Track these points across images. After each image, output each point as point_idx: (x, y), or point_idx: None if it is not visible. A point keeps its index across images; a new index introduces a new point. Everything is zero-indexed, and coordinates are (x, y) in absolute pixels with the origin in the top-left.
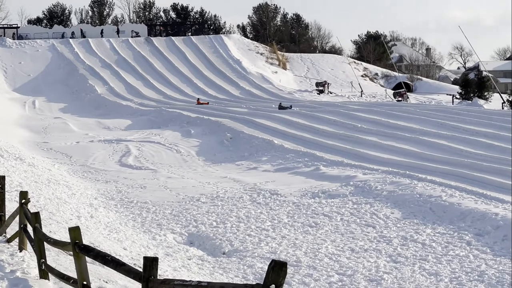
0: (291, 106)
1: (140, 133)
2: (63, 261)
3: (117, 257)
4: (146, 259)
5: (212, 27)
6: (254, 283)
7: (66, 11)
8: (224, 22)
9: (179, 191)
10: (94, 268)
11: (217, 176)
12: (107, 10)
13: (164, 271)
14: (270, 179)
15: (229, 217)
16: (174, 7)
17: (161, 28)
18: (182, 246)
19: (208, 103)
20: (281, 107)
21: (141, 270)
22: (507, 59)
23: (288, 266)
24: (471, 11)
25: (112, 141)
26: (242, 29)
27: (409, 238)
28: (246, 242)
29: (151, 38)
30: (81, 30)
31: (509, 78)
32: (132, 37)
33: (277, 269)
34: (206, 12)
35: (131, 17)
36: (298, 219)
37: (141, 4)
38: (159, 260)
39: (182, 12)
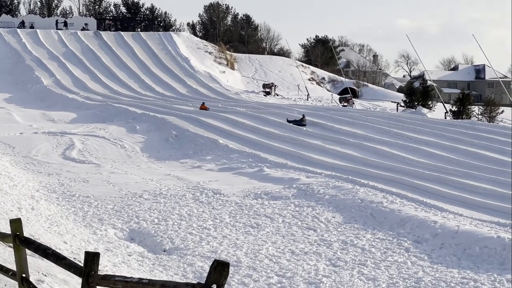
0: (303, 119)
1: (85, 127)
2: (1, 253)
3: (57, 250)
4: (87, 254)
5: (162, 24)
6: (194, 281)
7: (15, 1)
8: (175, 20)
9: (122, 187)
10: (34, 261)
11: (161, 173)
12: (56, 2)
13: (104, 266)
14: (213, 178)
15: (171, 215)
16: (125, 2)
17: (111, 22)
18: (122, 242)
19: (208, 108)
20: (291, 122)
21: (81, 264)
22: (451, 69)
23: None
24: (417, 20)
25: (56, 133)
26: (192, 28)
27: (349, 243)
28: (187, 241)
29: (100, 32)
30: (23, 21)
31: (452, 88)
32: (81, 30)
33: (220, 269)
34: (156, 8)
35: (80, 10)
36: (240, 220)
37: None
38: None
39: (132, 7)
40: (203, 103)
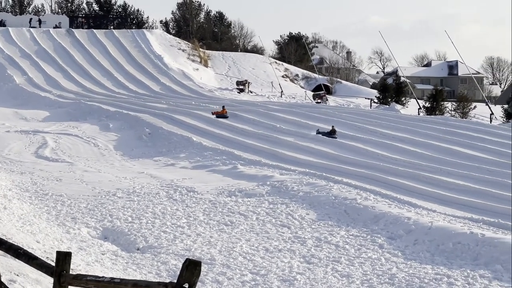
0: (333, 130)
1: (58, 125)
2: None
3: (29, 250)
4: (59, 253)
5: (135, 21)
6: (167, 280)
7: None
8: (147, 17)
9: (95, 185)
10: (6, 261)
11: (134, 171)
12: (28, 0)
13: (77, 265)
14: (187, 176)
15: (144, 213)
16: None
17: (83, 20)
18: (96, 240)
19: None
20: (320, 133)
21: (53, 264)
22: (425, 65)
23: (202, 264)
24: (390, 16)
25: (29, 132)
26: (165, 25)
27: (323, 240)
28: (161, 239)
29: (73, 30)
30: None
31: (426, 84)
32: (53, 28)
33: (191, 268)
34: (129, 6)
35: (53, 8)
36: (214, 217)
37: None
38: (72, 254)
39: (105, 5)
40: (223, 106)
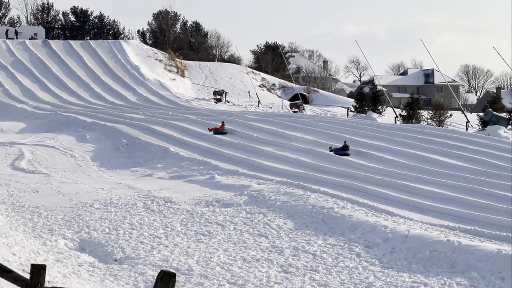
0: (345, 146)
1: (34, 137)
2: None
3: (5, 262)
4: (33, 266)
5: (111, 32)
6: None
7: None
8: (124, 28)
9: (72, 196)
10: None
11: (112, 182)
12: (3, 11)
13: (54, 278)
14: (164, 186)
15: (122, 224)
16: (73, 10)
17: (60, 31)
18: (73, 252)
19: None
20: (332, 151)
21: (28, 277)
22: (401, 74)
23: (179, 274)
24: (364, 25)
25: (5, 144)
26: (142, 35)
27: (300, 249)
28: (138, 250)
29: (49, 41)
30: None
31: (402, 92)
32: (29, 39)
33: (166, 280)
34: (105, 17)
35: (28, 19)
36: (192, 228)
37: (39, 6)
38: (49, 266)
39: (81, 15)
40: (223, 122)
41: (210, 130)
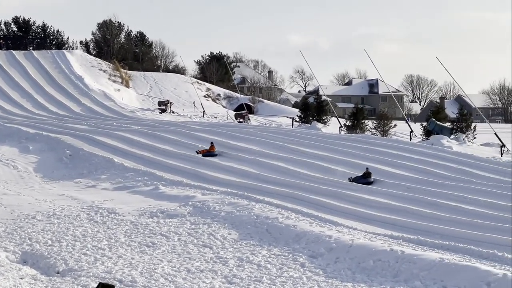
0: (367, 174)
1: None
2: None
3: None
4: None
5: (54, 42)
6: None
7: None
8: (67, 38)
9: (14, 208)
10: None
11: (55, 194)
12: None
13: None
14: (108, 197)
15: (65, 236)
16: (16, 20)
17: (2, 41)
18: (14, 265)
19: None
20: (353, 180)
21: None
22: (345, 84)
23: (123, 286)
24: (308, 35)
25: None
26: (85, 46)
27: (245, 259)
28: (82, 261)
29: None
30: None
31: (347, 102)
32: None
33: None
34: (48, 26)
35: None
36: (135, 239)
37: None
38: None
39: (23, 25)
40: (212, 143)
41: (198, 153)
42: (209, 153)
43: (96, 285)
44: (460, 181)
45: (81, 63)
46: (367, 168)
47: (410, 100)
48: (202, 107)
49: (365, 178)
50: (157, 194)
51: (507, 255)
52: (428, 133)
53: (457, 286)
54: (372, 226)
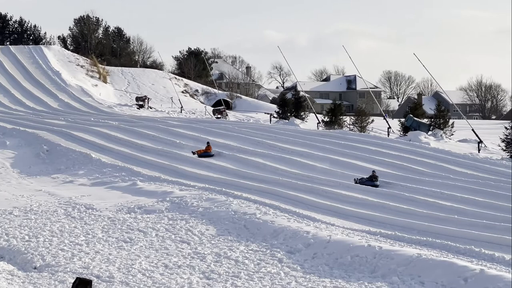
0: (373, 177)
1: None
2: None
3: None
4: None
5: (31, 37)
6: None
7: None
8: (45, 33)
9: None
10: None
11: (32, 189)
12: None
13: None
14: (86, 193)
15: (42, 231)
16: None
17: None
18: None
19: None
20: (358, 182)
21: None
22: (323, 80)
23: (100, 281)
24: (286, 31)
25: None
26: (63, 41)
27: (222, 255)
28: (59, 257)
29: None
30: None
31: (325, 98)
32: None
33: (81, 287)
34: (25, 21)
35: None
36: (113, 234)
37: None
38: None
39: (0, 20)
40: (208, 143)
41: (194, 153)
42: (206, 153)
43: (73, 280)
44: (438, 177)
45: (58, 58)
46: (373, 171)
47: (388, 96)
48: (180, 103)
49: (371, 181)
50: (134, 189)
51: (484, 251)
52: (405, 129)
53: (435, 282)
54: (349, 222)
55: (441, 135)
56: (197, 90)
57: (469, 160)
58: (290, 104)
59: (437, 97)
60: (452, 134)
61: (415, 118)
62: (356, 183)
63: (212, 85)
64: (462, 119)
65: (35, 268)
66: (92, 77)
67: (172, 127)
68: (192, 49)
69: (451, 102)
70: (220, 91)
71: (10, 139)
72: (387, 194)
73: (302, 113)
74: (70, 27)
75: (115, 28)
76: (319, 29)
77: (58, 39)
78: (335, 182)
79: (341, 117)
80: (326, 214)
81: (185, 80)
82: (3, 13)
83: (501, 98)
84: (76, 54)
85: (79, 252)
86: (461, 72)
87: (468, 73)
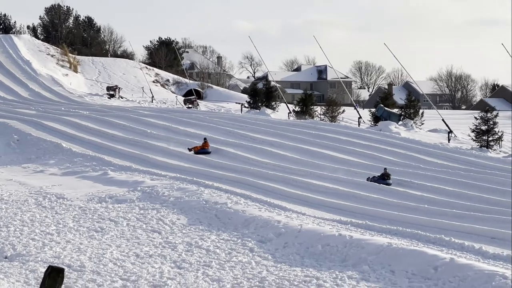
0: (386, 175)
1: None
2: None
3: None
4: None
5: (1, 26)
6: None
7: None
8: (14, 22)
9: None
10: None
11: (2, 179)
12: None
13: None
14: (57, 182)
15: (12, 221)
16: None
17: None
18: None
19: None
20: (371, 180)
21: None
22: (294, 70)
23: (71, 271)
24: (256, 21)
25: None
26: (33, 30)
27: (194, 244)
28: (30, 246)
29: None
30: None
31: (296, 88)
32: None
33: (54, 275)
34: None
35: None
36: (84, 224)
37: None
38: None
39: None
40: (205, 139)
41: (190, 150)
42: (202, 150)
43: (44, 269)
44: (408, 166)
45: (28, 47)
46: (385, 169)
47: (359, 87)
48: (151, 93)
49: (384, 179)
50: (105, 179)
51: (454, 240)
52: (376, 119)
53: (405, 270)
54: (320, 212)
55: (411, 125)
56: (168, 80)
57: (439, 149)
58: (261, 94)
59: (408, 87)
60: (422, 124)
61: (386, 108)
62: (369, 181)
63: (183, 75)
64: (432, 109)
65: (6, 257)
66: (62, 66)
67: (143, 116)
68: (163, 38)
69: (421, 92)
70: (191, 81)
71: None
72: (357, 183)
73: (273, 103)
74: (40, 16)
75: (85, 17)
76: (289, 19)
77: (28, 28)
78: (306, 171)
79: (312, 107)
80: (297, 204)
81: (156, 70)
82: None
83: (471, 88)
84: (46, 44)
85: (50, 241)
86: (431, 62)
87: (438, 63)
